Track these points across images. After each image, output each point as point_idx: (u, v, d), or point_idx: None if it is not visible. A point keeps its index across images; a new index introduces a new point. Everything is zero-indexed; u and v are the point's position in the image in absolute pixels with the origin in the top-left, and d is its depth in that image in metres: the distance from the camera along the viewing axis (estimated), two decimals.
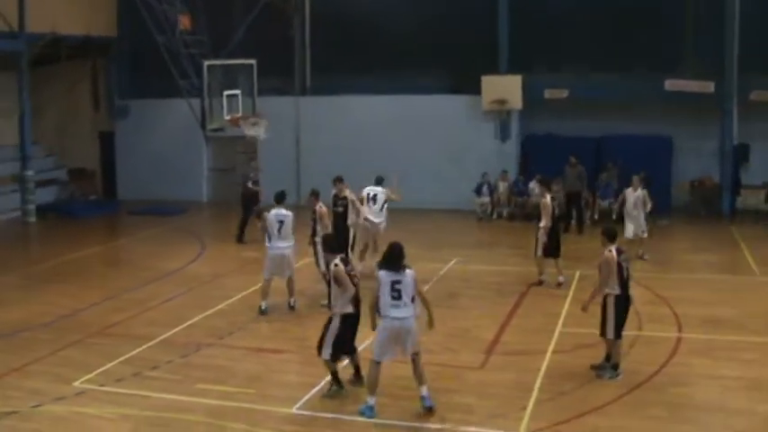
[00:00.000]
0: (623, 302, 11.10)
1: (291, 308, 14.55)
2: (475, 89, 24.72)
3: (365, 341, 10.96)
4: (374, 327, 10.15)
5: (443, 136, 25.07)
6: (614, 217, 18.55)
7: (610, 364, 11.23)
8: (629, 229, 17.99)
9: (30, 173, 25.06)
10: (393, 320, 9.82)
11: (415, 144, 25.03)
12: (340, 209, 16.21)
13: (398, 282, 9.81)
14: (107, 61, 28.79)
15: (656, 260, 18.08)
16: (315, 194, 15.32)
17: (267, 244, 14.54)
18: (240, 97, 22.38)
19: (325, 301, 12.38)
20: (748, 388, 10.91)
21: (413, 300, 9.90)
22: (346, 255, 12.10)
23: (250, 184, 21.47)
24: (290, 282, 14.61)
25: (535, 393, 10.65)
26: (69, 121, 29.08)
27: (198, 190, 28.06)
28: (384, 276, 9.87)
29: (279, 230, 14.35)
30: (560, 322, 13.68)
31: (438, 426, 9.72)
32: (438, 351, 11.91)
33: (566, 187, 22.25)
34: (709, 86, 23.15)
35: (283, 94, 26.54)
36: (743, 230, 21.71)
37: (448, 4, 25.49)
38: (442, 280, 16.71)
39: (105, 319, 14.32)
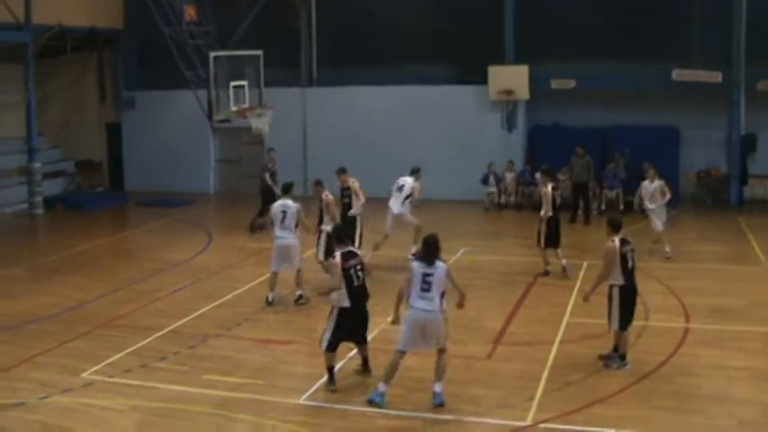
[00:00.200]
0: (628, 293, 11.05)
1: (296, 300, 14.36)
2: (481, 79, 24.70)
3: (374, 330, 10.93)
4: (395, 319, 10.15)
5: (450, 126, 25.00)
6: (627, 208, 18.12)
7: (617, 355, 11.22)
8: (657, 223, 17.46)
9: (36, 165, 25.07)
10: (419, 311, 9.84)
11: (422, 135, 24.95)
12: (346, 200, 16.24)
13: (430, 275, 9.84)
14: (113, 53, 28.76)
15: (663, 250, 18.04)
16: (319, 183, 15.47)
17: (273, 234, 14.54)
18: (247, 88, 22.29)
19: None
20: (755, 378, 10.90)
21: (443, 295, 9.89)
22: (354, 246, 12.06)
23: (267, 177, 21.05)
24: (298, 275, 14.49)
25: (542, 384, 10.66)
26: (76, 112, 29.11)
27: (205, 181, 28.08)
28: (417, 267, 9.93)
29: (282, 221, 14.31)
30: (567, 312, 13.67)
31: (445, 416, 9.72)
32: None
33: (572, 178, 22.23)
34: (717, 76, 23.03)
35: (290, 86, 26.49)
36: (750, 221, 21.66)
37: None
38: None
39: (113, 310, 14.37)
